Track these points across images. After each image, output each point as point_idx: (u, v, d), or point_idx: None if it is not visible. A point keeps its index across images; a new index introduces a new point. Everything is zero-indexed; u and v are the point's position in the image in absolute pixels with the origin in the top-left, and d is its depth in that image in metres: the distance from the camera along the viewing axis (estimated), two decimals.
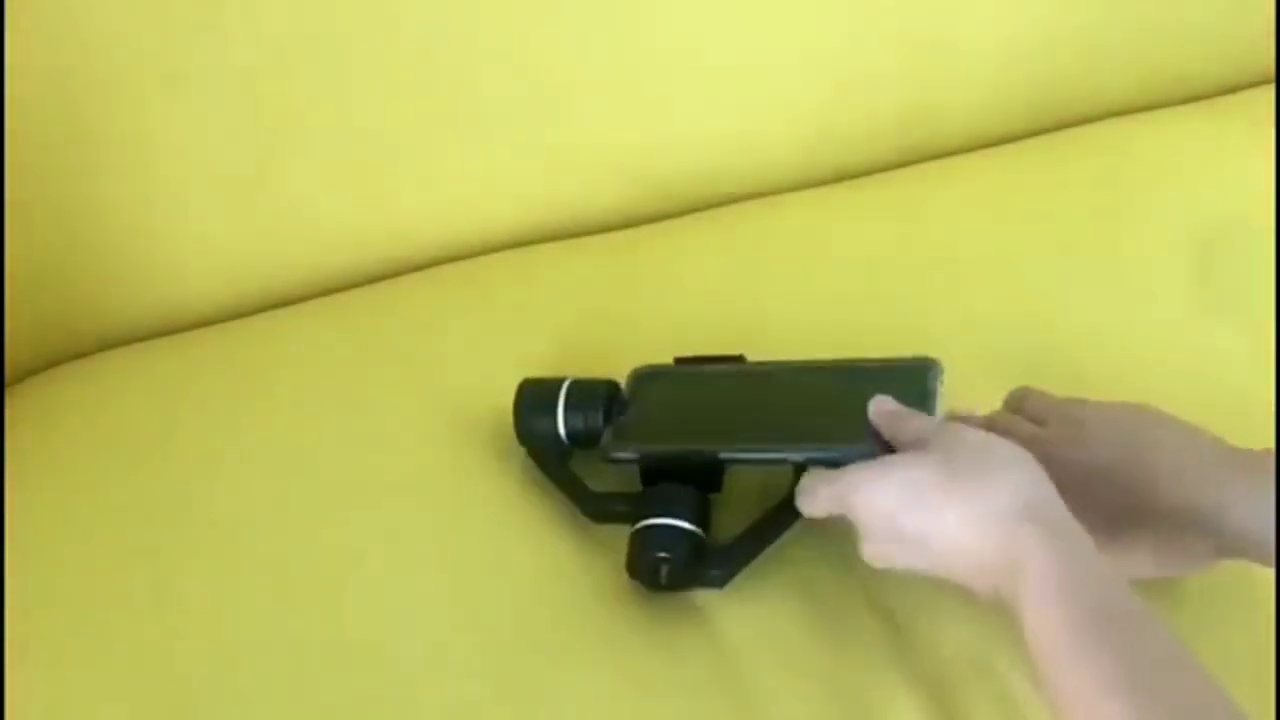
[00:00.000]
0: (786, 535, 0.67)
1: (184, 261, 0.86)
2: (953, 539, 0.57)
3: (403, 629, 0.66)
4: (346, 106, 0.84)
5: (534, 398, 0.72)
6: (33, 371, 0.84)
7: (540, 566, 0.69)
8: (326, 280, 0.88)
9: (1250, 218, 0.87)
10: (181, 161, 0.83)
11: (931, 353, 0.70)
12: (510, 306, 0.85)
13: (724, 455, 0.67)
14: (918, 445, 0.60)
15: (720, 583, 0.66)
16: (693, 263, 0.88)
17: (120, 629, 0.66)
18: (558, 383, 0.72)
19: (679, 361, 0.74)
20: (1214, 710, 0.50)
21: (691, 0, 0.89)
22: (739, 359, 0.73)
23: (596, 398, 0.71)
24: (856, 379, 0.69)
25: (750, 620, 0.65)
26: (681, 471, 0.67)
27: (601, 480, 0.70)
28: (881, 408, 0.64)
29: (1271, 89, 1.01)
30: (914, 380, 0.67)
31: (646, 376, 0.73)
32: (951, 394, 0.68)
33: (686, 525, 0.65)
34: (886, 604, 0.66)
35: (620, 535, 0.67)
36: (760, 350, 0.74)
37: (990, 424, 0.67)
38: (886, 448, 0.63)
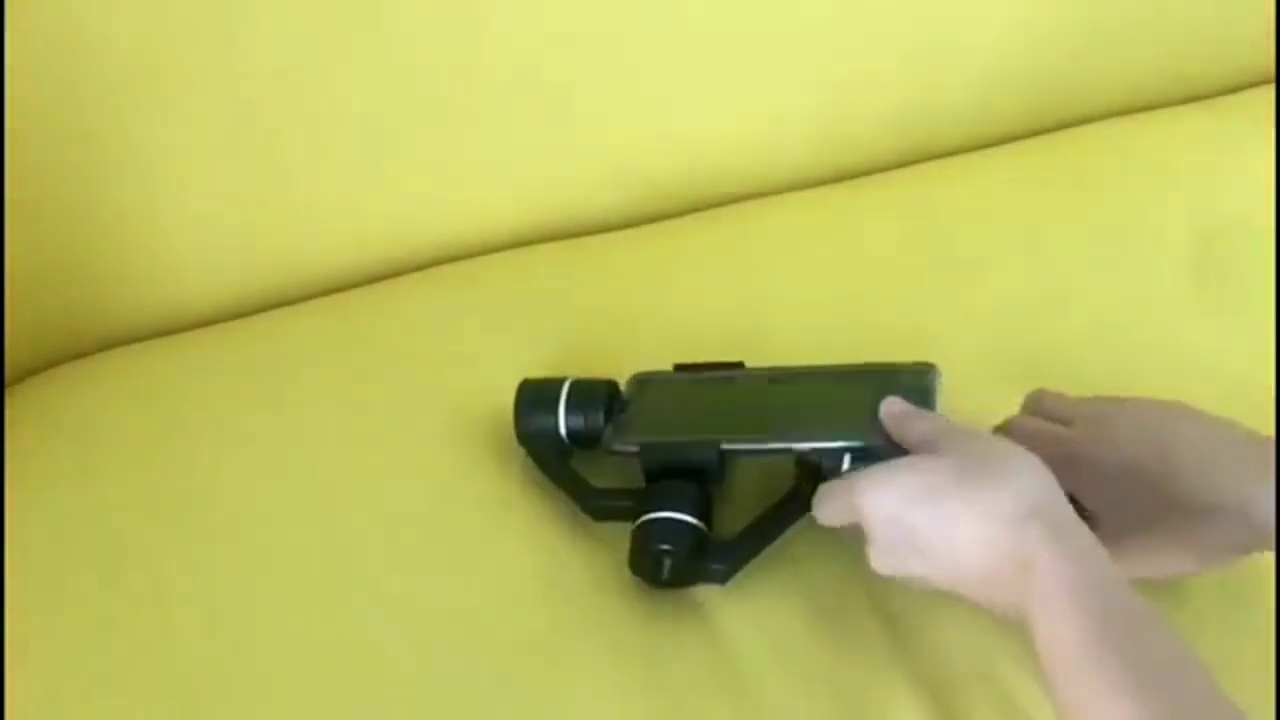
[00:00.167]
0: (789, 532, 0.67)
1: (184, 262, 0.86)
2: (961, 541, 0.57)
3: (403, 628, 0.66)
4: (346, 106, 0.84)
5: (535, 397, 0.72)
6: (33, 371, 0.84)
7: (541, 566, 0.69)
8: (326, 280, 0.88)
9: (1250, 218, 0.87)
10: (181, 162, 0.83)
11: (931, 353, 0.70)
12: (510, 306, 0.85)
13: (726, 447, 0.67)
14: (926, 447, 0.60)
15: (723, 578, 0.66)
16: (693, 263, 0.88)
17: (120, 628, 0.66)
18: (558, 383, 0.72)
19: (678, 369, 0.74)
20: (1214, 710, 0.50)
21: (691, 1, 0.89)
22: (738, 366, 0.73)
23: (597, 398, 0.71)
24: (855, 382, 0.69)
25: (751, 619, 0.65)
26: (683, 467, 0.67)
27: (602, 481, 0.70)
28: (891, 409, 0.64)
29: (1271, 89, 1.01)
30: (912, 384, 0.67)
31: (646, 379, 0.73)
32: (951, 395, 0.68)
33: (689, 519, 0.65)
34: (888, 604, 0.66)
35: (621, 535, 0.67)
36: (760, 349, 0.74)
37: (1015, 427, 0.67)
38: (894, 447, 0.63)
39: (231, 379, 0.82)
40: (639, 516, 0.66)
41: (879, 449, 0.65)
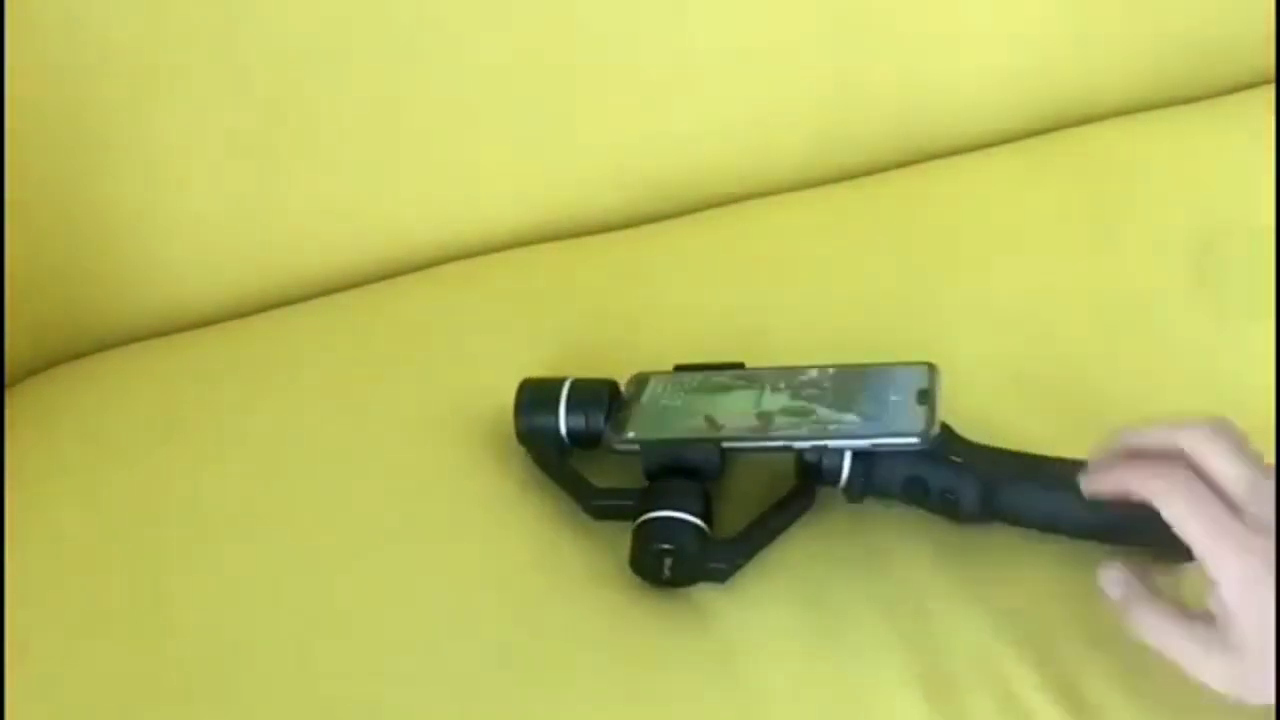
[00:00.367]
0: (790, 531, 0.67)
1: (184, 262, 0.86)
2: None
3: (403, 627, 0.66)
4: (346, 106, 0.84)
5: (535, 397, 0.72)
6: (33, 371, 0.84)
7: (541, 566, 0.69)
8: (326, 280, 0.88)
9: (1250, 218, 0.87)
10: (181, 161, 0.83)
11: (931, 353, 0.70)
12: (510, 306, 0.85)
13: (726, 445, 0.67)
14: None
15: (723, 577, 0.66)
16: (693, 263, 0.88)
17: (120, 629, 0.66)
18: (559, 382, 0.72)
19: (678, 369, 0.74)
20: None
21: (692, 2, 0.89)
22: (738, 366, 0.73)
23: (598, 397, 0.71)
24: (856, 380, 0.69)
25: (751, 619, 0.65)
26: (684, 466, 0.67)
27: (603, 480, 0.70)
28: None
29: (1271, 89, 1.01)
30: (912, 384, 0.68)
31: (646, 379, 0.73)
32: (951, 395, 0.68)
33: (690, 518, 0.65)
34: (889, 603, 0.66)
35: (622, 535, 0.67)
36: (760, 349, 0.74)
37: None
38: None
39: (231, 379, 0.81)
40: (640, 516, 0.66)
41: (879, 449, 0.65)
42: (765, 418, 0.68)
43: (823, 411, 0.68)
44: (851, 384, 0.69)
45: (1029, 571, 0.66)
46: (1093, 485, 0.61)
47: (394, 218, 0.89)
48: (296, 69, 0.82)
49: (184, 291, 0.86)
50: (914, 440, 0.64)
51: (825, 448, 0.66)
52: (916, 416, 0.66)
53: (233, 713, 0.63)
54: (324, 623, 0.66)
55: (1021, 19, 0.96)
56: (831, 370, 0.71)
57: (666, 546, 0.65)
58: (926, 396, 0.67)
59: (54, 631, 0.66)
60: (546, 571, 0.68)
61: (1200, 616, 0.57)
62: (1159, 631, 0.58)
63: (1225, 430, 0.58)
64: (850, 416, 0.67)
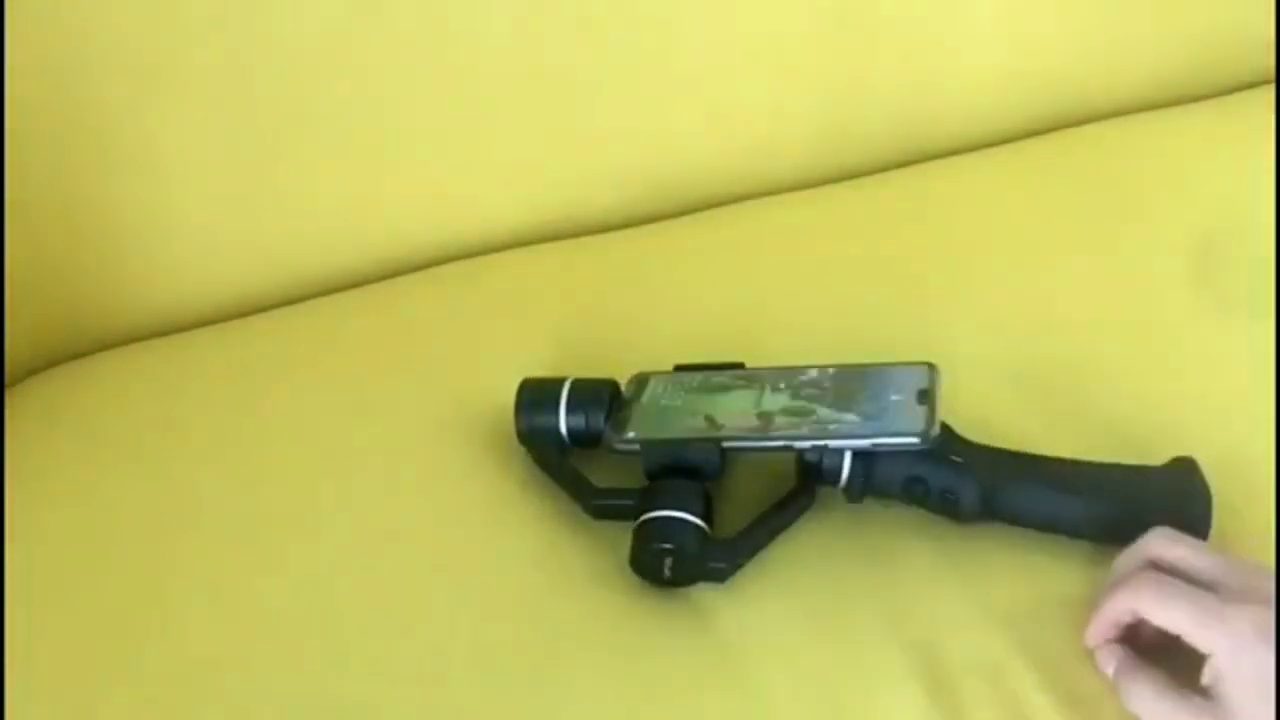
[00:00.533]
0: (790, 531, 0.67)
1: (184, 261, 0.86)
2: None
3: (402, 628, 0.66)
4: (346, 107, 0.84)
5: (535, 397, 0.72)
6: (33, 371, 0.84)
7: (541, 565, 0.69)
8: (326, 280, 0.88)
9: (1250, 218, 0.87)
10: (181, 161, 0.83)
11: (931, 353, 0.70)
12: (510, 306, 0.85)
13: (727, 445, 0.67)
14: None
15: (723, 576, 0.66)
16: (693, 263, 0.88)
17: (120, 628, 0.66)
18: (559, 382, 0.72)
19: (679, 369, 0.74)
20: None
21: (692, 1, 0.89)
22: (739, 366, 0.73)
23: (598, 397, 0.71)
24: (856, 380, 0.69)
25: (751, 618, 0.65)
26: (684, 466, 0.67)
27: (603, 480, 0.70)
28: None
29: (1271, 89, 1.01)
30: (912, 384, 0.68)
31: (647, 378, 0.73)
32: (951, 395, 0.68)
33: (690, 518, 0.65)
34: (888, 603, 0.66)
35: (622, 534, 0.67)
36: (760, 349, 0.75)
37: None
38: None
39: (231, 379, 0.82)
40: (640, 515, 0.66)
41: (879, 448, 0.65)
42: (765, 418, 0.68)
43: (823, 411, 0.68)
44: (852, 384, 0.69)
45: (1029, 571, 0.66)
46: (1090, 639, 0.62)
47: (394, 218, 0.89)
48: (296, 69, 0.82)
49: (184, 291, 0.86)
50: (914, 440, 0.64)
51: (825, 448, 0.66)
52: (917, 416, 0.66)
53: (233, 712, 0.63)
54: (324, 622, 0.66)
55: (1022, 20, 0.96)
56: (832, 370, 0.71)
57: (667, 546, 0.65)
58: (926, 396, 0.67)
59: (54, 631, 0.66)
60: (546, 571, 0.68)
61: (1194, 690, 0.57)
62: (1154, 705, 0.58)
63: (1178, 534, 0.62)
64: (850, 416, 0.67)
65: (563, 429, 0.71)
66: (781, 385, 0.71)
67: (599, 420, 0.70)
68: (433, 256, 0.89)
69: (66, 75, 0.78)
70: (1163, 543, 0.61)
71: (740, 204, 0.94)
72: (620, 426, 0.69)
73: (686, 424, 0.69)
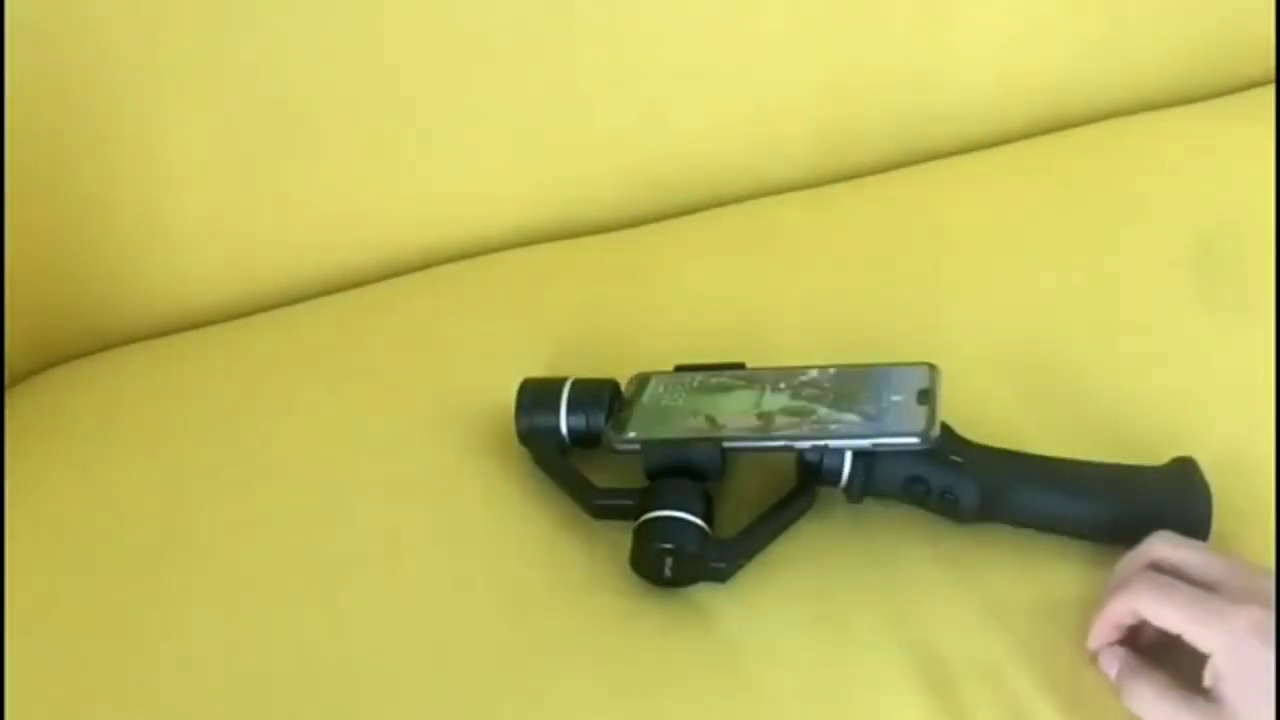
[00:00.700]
0: (790, 531, 0.67)
1: (183, 261, 0.86)
2: None
3: (403, 629, 0.66)
4: (347, 107, 0.84)
5: (536, 397, 0.72)
6: (33, 371, 0.84)
7: (542, 565, 0.69)
8: (326, 280, 0.88)
9: (1250, 217, 0.87)
10: (181, 161, 0.83)
11: (931, 353, 0.70)
12: (510, 306, 0.85)
13: (727, 445, 0.67)
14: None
15: (724, 576, 0.66)
16: (693, 262, 0.88)
17: (120, 629, 0.66)
18: (560, 382, 0.72)
19: (679, 369, 0.74)
20: None
21: (692, 1, 0.89)
22: (739, 366, 0.73)
23: (599, 397, 0.71)
24: (856, 380, 0.69)
25: (752, 618, 0.65)
26: (684, 466, 0.67)
27: (603, 480, 0.70)
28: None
29: (1271, 89, 1.01)
30: (912, 384, 0.68)
31: (647, 379, 0.73)
32: (951, 395, 0.68)
33: (691, 518, 0.65)
34: (888, 603, 0.66)
35: (623, 534, 0.67)
36: (760, 349, 0.75)
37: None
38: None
39: (231, 379, 0.82)
40: (640, 515, 0.66)
41: (879, 448, 0.65)
42: (766, 418, 0.68)
43: (823, 411, 0.68)
44: (852, 384, 0.69)
45: (1029, 571, 0.66)
46: (1092, 642, 0.62)
47: (394, 218, 0.89)
48: (296, 69, 0.82)
49: (184, 291, 0.86)
50: (914, 440, 0.65)
51: (826, 448, 0.66)
52: (917, 416, 0.66)
53: (233, 712, 0.63)
54: (324, 622, 0.66)
55: (1022, 20, 0.96)
56: (832, 370, 0.71)
57: (667, 546, 0.65)
58: (927, 396, 0.67)
59: (54, 631, 0.66)
60: (547, 571, 0.68)
61: (1196, 691, 0.58)
62: (1155, 706, 0.59)
63: (1180, 538, 0.62)
64: (851, 416, 0.67)
65: (563, 429, 0.71)
66: (782, 385, 0.71)
67: (599, 420, 0.70)
68: (433, 256, 0.89)
69: (66, 75, 0.78)
70: (1164, 545, 0.61)
71: (740, 204, 0.94)
72: (621, 426, 0.70)
73: (687, 424, 0.69)
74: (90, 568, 0.69)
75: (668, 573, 0.65)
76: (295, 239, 0.88)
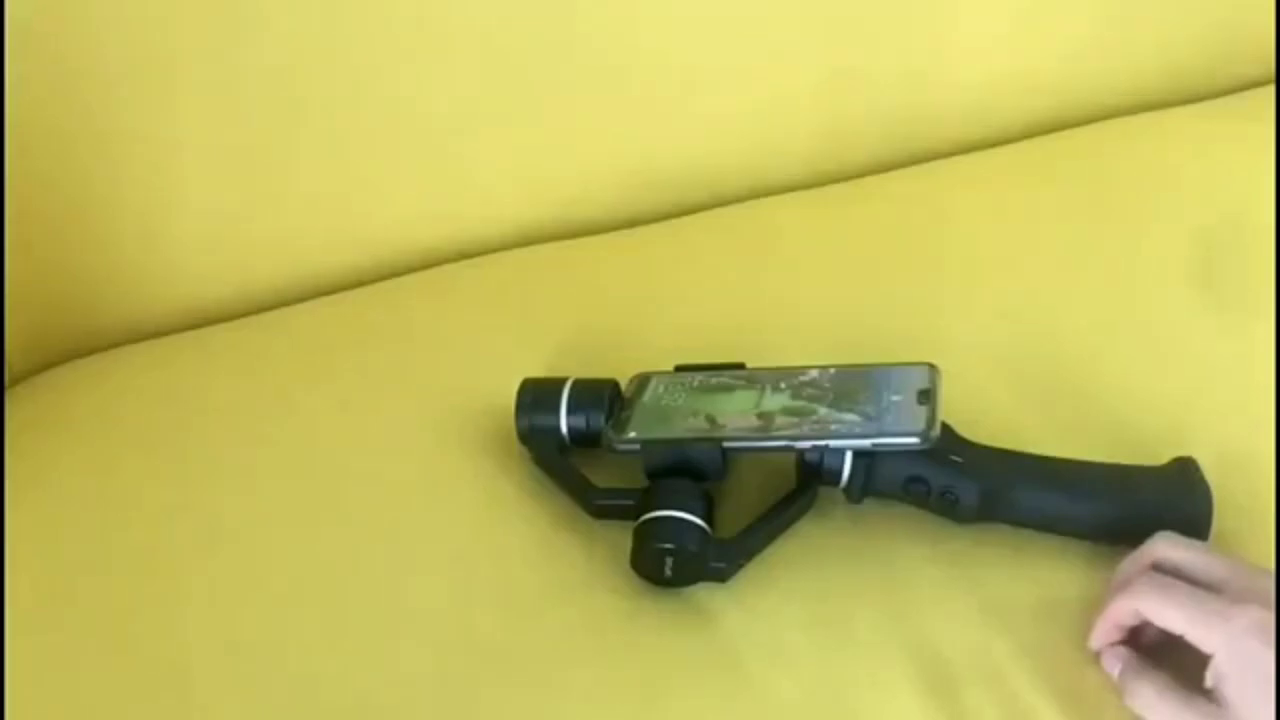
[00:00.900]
0: (791, 531, 0.67)
1: (184, 261, 0.86)
2: None
3: (404, 627, 0.66)
4: (347, 107, 0.84)
5: (536, 397, 0.72)
6: (33, 371, 0.84)
7: (542, 565, 0.69)
8: (326, 280, 0.88)
9: (1250, 218, 0.87)
10: (181, 161, 0.83)
11: (932, 353, 0.70)
12: (510, 306, 0.85)
13: (727, 445, 0.67)
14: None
15: (724, 576, 0.66)
16: (693, 262, 0.88)
17: (120, 629, 0.66)
18: (560, 382, 0.72)
19: (679, 369, 0.74)
20: None
21: (692, 1, 0.89)
22: (739, 366, 0.73)
23: (599, 397, 0.71)
24: (856, 380, 0.69)
25: (752, 618, 0.65)
26: (685, 466, 0.67)
27: (604, 480, 0.70)
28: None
29: (1271, 89, 1.01)
30: (912, 383, 0.68)
31: (647, 379, 0.73)
32: (952, 395, 0.68)
33: (691, 518, 0.65)
34: (889, 603, 0.66)
35: (623, 534, 0.67)
36: (760, 349, 0.75)
37: None
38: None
39: (231, 379, 0.81)
40: (641, 515, 0.66)
41: (879, 448, 0.65)
42: (766, 418, 0.68)
43: (823, 411, 0.68)
44: (852, 384, 0.69)
45: (1029, 571, 0.66)
46: (1094, 642, 0.62)
47: (394, 218, 0.89)
48: (296, 69, 0.82)
49: (185, 291, 0.86)
50: (914, 440, 0.65)
51: (826, 448, 0.66)
52: (917, 416, 0.66)
53: (234, 711, 0.63)
54: (324, 622, 0.66)
55: (1023, 20, 0.96)
56: (832, 370, 0.71)
57: (668, 546, 0.65)
58: (927, 396, 0.67)
59: (54, 632, 0.66)
60: (547, 571, 0.68)
61: (1197, 691, 0.58)
62: (1157, 706, 0.59)
63: (1181, 538, 0.62)
64: (851, 416, 0.67)
65: (563, 429, 0.71)
66: (782, 385, 0.71)
67: (600, 420, 0.70)
68: (433, 256, 0.89)
69: (67, 75, 0.78)
70: (1166, 546, 0.61)
71: (740, 204, 0.94)
72: (621, 426, 0.70)
73: (687, 424, 0.69)
74: (90, 568, 0.69)
75: (668, 573, 0.65)
76: (295, 239, 0.88)
